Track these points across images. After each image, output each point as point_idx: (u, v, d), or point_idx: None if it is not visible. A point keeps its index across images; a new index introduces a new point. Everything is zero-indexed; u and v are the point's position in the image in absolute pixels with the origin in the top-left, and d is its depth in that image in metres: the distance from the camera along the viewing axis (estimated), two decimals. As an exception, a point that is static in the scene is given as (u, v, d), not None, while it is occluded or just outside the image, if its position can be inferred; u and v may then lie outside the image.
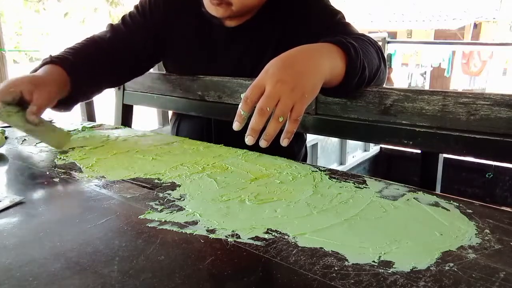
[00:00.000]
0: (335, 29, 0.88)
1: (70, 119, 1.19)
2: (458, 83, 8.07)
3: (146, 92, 1.21)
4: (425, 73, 8.31)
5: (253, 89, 0.62)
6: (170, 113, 1.34)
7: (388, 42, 3.43)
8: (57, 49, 0.99)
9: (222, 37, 1.01)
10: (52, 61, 0.92)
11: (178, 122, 1.20)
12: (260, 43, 0.98)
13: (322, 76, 0.66)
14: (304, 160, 1.25)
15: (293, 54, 0.66)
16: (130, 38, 1.04)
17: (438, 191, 0.77)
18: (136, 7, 1.08)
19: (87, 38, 1.04)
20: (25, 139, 0.96)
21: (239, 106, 0.62)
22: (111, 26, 1.07)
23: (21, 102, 0.80)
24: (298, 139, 1.15)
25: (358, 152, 3.12)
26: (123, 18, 1.08)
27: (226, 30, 1.00)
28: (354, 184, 0.65)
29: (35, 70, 0.91)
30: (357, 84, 0.75)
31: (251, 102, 0.62)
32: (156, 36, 1.06)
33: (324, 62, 0.67)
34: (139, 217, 0.54)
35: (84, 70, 0.95)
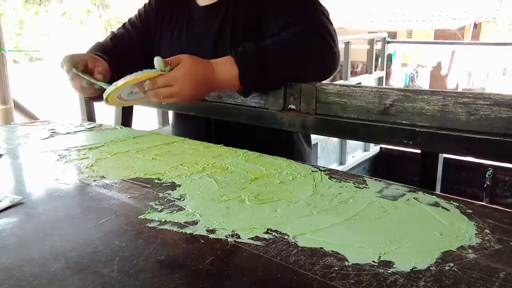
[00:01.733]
0: (281, 12, 0.91)
1: (70, 119, 1.19)
2: (458, 82, 8.05)
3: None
4: (416, 72, 8.30)
5: (163, 84, 0.77)
6: (170, 112, 1.34)
7: (388, 42, 3.42)
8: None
9: (197, 19, 1.05)
10: (97, 54, 0.98)
11: (178, 122, 1.20)
12: (227, 21, 1.00)
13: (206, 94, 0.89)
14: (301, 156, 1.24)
15: (197, 73, 0.80)
16: (129, 41, 1.09)
17: (438, 191, 0.77)
18: (137, 13, 1.14)
19: (94, 45, 1.08)
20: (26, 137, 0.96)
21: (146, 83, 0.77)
22: (112, 32, 1.13)
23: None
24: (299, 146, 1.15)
25: (358, 152, 3.12)
26: (124, 25, 1.14)
27: (199, 10, 1.03)
28: (354, 184, 0.65)
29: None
30: (263, 81, 0.84)
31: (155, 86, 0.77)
32: (150, 36, 1.11)
33: (213, 86, 0.85)
34: (139, 217, 0.54)
35: (115, 68, 1.00)
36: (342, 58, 0.90)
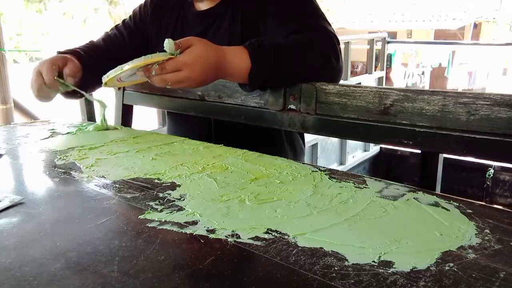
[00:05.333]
0: (289, 20, 0.91)
1: (70, 119, 1.19)
2: (458, 82, 8.04)
3: (146, 92, 1.20)
4: (423, 73, 8.29)
5: (173, 68, 0.74)
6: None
7: (388, 42, 3.43)
8: (58, 49, 1.04)
9: (194, 22, 1.05)
10: (66, 52, 1.01)
11: (175, 121, 1.20)
12: (225, 26, 1.01)
13: (213, 81, 0.82)
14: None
15: (209, 61, 0.77)
16: (121, 42, 1.11)
17: (438, 191, 0.77)
18: (131, 13, 1.16)
19: (87, 43, 1.12)
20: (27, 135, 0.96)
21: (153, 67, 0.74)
22: (106, 33, 1.15)
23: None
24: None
25: (358, 152, 3.12)
26: (116, 26, 1.16)
27: (197, 14, 1.04)
28: (354, 184, 0.65)
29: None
30: (273, 79, 0.83)
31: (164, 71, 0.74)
32: (144, 39, 1.12)
33: (222, 74, 0.81)
34: (139, 217, 0.54)
35: (92, 66, 1.01)
36: (343, 59, 0.91)
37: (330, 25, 0.92)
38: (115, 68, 0.79)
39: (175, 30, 1.08)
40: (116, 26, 1.15)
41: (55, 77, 0.92)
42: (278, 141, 1.08)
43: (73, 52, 1.02)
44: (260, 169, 0.72)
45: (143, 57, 0.74)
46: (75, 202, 0.60)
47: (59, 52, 1.02)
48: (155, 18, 1.11)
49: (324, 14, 0.94)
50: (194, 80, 0.76)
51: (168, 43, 0.73)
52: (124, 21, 1.16)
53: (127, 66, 0.75)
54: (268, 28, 0.94)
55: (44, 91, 0.93)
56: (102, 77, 0.83)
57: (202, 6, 1.04)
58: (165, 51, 0.74)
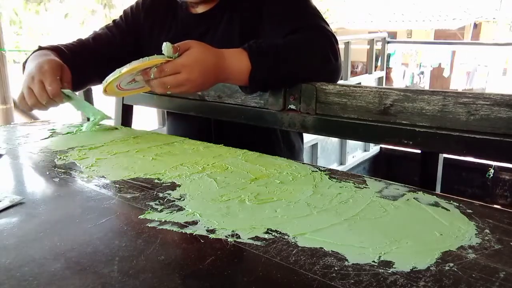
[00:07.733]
0: (287, 19, 0.92)
1: (70, 119, 1.19)
2: (458, 83, 8.04)
3: (146, 92, 1.20)
4: (422, 73, 8.29)
5: (172, 71, 0.73)
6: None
7: (388, 42, 3.43)
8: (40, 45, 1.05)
9: (191, 25, 1.04)
10: (48, 48, 1.01)
11: (174, 123, 1.20)
12: (223, 28, 1.01)
13: (212, 84, 0.83)
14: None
15: (206, 62, 0.77)
16: (112, 42, 1.11)
17: (438, 191, 0.77)
18: (122, 14, 1.16)
19: (74, 41, 1.12)
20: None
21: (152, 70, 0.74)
22: (95, 32, 1.14)
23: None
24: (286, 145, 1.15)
25: (358, 152, 3.12)
26: (107, 25, 1.15)
27: (193, 17, 1.03)
28: (354, 184, 0.65)
29: (29, 59, 0.97)
30: (272, 80, 0.83)
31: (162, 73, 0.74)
32: (136, 39, 1.12)
33: (222, 78, 0.81)
34: (139, 217, 0.54)
35: (73, 63, 1.00)
36: (342, 58, 0.91)
37: (327, 24, 0.92)
38: (113, 72, 0.77)
39: (169, 33, 1.07)
40: (107, 26, 1.14)
41: (61, 89, 0.87)
42: (274, 140, 1.08)
43: (55, 49, 1.01)
44: (260, 169, 0.72)
45: (141, 59, 0.73)
46: (75, 202, 0.60)
47: (40, 47, 1.01)
48: (148, 21, 1.10)
49: (321, 14, 0.94)
50: (193, 82, 0.75)
51: (166, 47, 0.72)
52: (114, 21, 1.15)
53: (125, 69, 0.74)
54: (266, 28, 0.94)
55: (46, 103, 0.87)
56: (102, 84, 0.82)
57: (198, 10, 1.03)
58: (163, 54, 0.73)
